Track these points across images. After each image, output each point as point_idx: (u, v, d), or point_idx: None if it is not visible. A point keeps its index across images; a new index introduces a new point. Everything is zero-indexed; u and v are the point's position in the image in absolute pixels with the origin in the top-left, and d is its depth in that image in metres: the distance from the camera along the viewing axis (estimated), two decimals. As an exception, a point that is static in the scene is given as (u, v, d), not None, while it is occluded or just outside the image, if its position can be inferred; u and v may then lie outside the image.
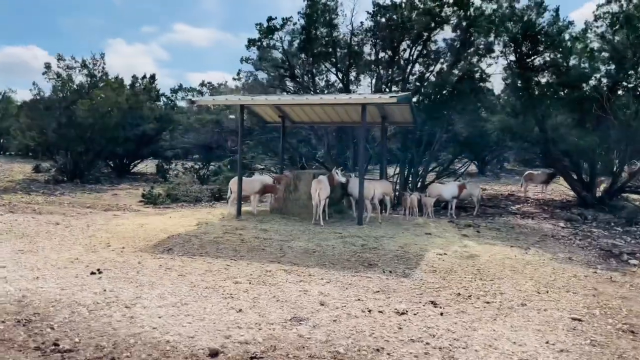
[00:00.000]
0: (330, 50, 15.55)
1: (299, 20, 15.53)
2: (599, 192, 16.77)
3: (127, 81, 27.76)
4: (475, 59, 15.19)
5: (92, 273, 7.13)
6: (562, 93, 14.38)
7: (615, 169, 15.41)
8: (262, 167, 17.72)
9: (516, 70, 14.78)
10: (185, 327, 5.05)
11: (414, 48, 16.47)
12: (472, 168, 30.14)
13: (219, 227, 10.97)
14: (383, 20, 15.35)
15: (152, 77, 29.32)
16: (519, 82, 14.47)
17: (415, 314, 5.62)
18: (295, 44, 15.44)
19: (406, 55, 16.82)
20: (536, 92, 14.55)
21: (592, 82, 15.56)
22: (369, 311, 5.66)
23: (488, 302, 6.26)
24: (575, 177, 16.42)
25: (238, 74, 17.53)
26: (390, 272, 7.77)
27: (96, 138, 24.52)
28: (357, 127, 15.62)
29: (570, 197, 19.15)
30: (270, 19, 15.85)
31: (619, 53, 14.24)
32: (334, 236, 10.37)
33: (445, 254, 9.21)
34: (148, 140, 29.21)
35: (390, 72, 16.83)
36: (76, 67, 25.58)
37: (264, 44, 15.87)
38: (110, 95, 24.03)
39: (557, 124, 14.07)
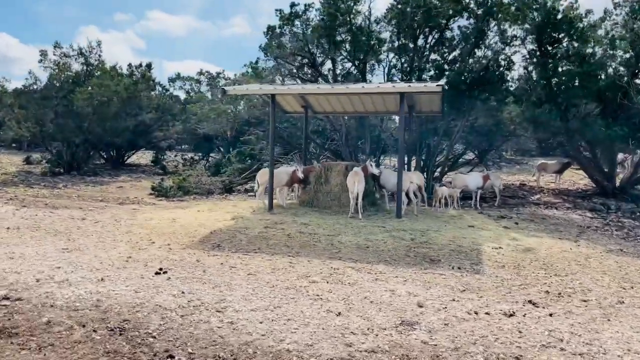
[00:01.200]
0: (350, 37, 15.13)
1: (321, 6, 15.04)
2: (618, 181, 16.75)
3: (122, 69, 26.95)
4: (498, 47, 14.91)
5: (157, 273, 6.73)
6: (584, 82, 14.18)
7: (636, 158, 15.36)
8: (289, 158, 17.24)
9: (539, 58, 14.57)
10: (296, 333, 4.70)
11: (433, 35, 16.13)
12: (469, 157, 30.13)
13: (256, 222, 10.58)
14: (404, 6, 14.94)
15: (149, 65, 28.55)
16: (542, 70, 14.26)
17: (524, 316, 5.36)
18: (317, 31, 14.94)
19: (424, 42, 16.46)
20: (559, 81, 14.36)
21: (611, 70, 15.45)
22: (475, 313, 5.38)
23: (585, 301, 6.03)
24: (594, 166, 16.33)
25: (256, 62, 17.00)
26: (459, 268, 7.51)
27: (94, 128, 23.75)
28: (379, 116, 15.27)
29: (586, 187, 19.16)
30: (293, 4, 15.35)
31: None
32: (378, 230, 10.08)
33: (500, 247, 8.99)
34: (144, 131, 28.51)
35: (407, 61, 16.47)
36: (73, 55, 24.70)
37: (285, 30, 15.36)
38: (109, 84, 23.27)
39: (581, 113, 13.90)
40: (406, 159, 15.26)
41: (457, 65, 15.52)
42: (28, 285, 6.10)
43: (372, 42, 15.54)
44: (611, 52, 15.45)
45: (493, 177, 15.05)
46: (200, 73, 29.07)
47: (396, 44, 16.63)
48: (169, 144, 33.00)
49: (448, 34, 16.70)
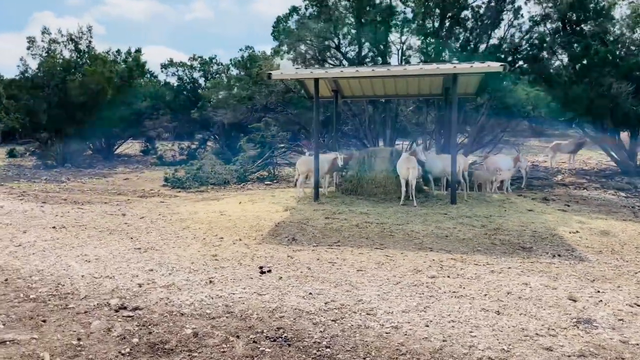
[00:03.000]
0: (379, 18, 14.66)
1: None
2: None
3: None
4: (527, 27, 14.69)
5: (262, 272, 6.28)
6: (613, 61, 14.12)
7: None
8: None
9: (572, 37, 14.42)
10: (477, 337, 4.37)
11: (453, 16, 15.79)
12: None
13: (312, 213, 10.15)
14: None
15: (138, 50, 27.44)
16: (571, 50, 14.13)
17: (686, 304, 5.12)
18: (347, 10, 14.39)
19: (442, 23, 16.12)
20: (589, 61, 14.26)
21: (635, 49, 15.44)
22: (637, 305, 5.11)
23: None
24: (616, 146, 16.39)
25: (280, 44, 16.33)
26: (559, 255, 7.28)
27: (90, 118, 22.72)
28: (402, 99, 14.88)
29: (600, 166, 19.28)
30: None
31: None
32: (443, 218, 9.78)
33: (577, 231, 8.81)
34: (135, 120, 27.49)
35: (427, 42, 16.12)
36: (62, 41, 23.51)
37: (310, 12, 14.76)
38: (103, 71, 22.25)
39: (612, 93, 13.84)
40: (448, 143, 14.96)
41: (484, 45, 15.22)
42: (133, 291, 5.58)
43: (396, 22, 15.10)
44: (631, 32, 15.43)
45: (522, 159, 14.89)
46: (193, 58, 28.03)
47: (414, 25, 16.22)
48: (157, 132, 31.94)
49: (468, 13, 16.37)
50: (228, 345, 4.26)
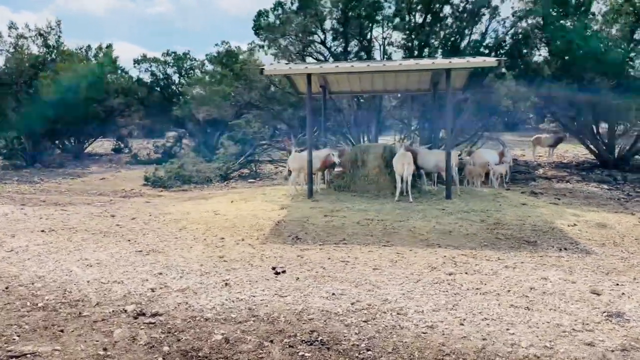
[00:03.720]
0: (365, 13, 14.56)
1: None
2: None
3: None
4: (511, 21, 14.83)
5: (277, 273, 6.13)
6: (594, 57, 14.39)
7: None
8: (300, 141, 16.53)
9: (554, 32, 14.63)
10: (516, 335, 4.32)
11: (436, 9, 15.83)
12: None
13: (309, 210, 10.00)
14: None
15: (109, 46, 26.76)
16: (559, 45, 14.34)
17: None
18: (335, 5, 14.22)
19: (424, 18, 16.13)
20: (574, 55, 14.50)
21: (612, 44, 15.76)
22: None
23: None
24: (596, 139, 16.73)
25: (265, 39, 16.03)
26: (565, 249, 7.34)
27: (61, 116, 22.00)
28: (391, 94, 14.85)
29: (578, 158, 19.69)
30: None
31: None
32: (441, 213, 9.77)
33: (574, 224, 8.92)
34: (106, 118, 26.79)
35: (408, 37, 16.13)
36: (30, 36, 22.69)
37: (296, 6, 14.52)
38: (76, 68, 21.57)
39: (594, 87, 14.12)
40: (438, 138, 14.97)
41: (466, 41, 15.30)
42: (147, 296, 5.36)
43: (380, 18, 15.04)
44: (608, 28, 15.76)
45: (507, 154, 15.03)
46: (167, 54, 27.44)
47: (397, 20, 16.20)
48: (129, 130, 31.24)
49: (447, 9, 16.44)
50: (264, 351, 4.10)
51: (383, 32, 16.42)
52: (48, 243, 7.80)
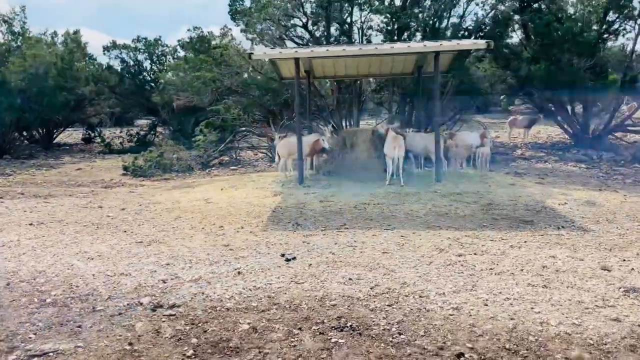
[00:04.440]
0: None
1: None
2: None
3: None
4: (491, 3, 14.92)
5: (288, 260, 6.07)
6: (576, 38, 14.64)
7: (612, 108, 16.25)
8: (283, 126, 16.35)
9: (532, 15, 14.79)
10: (542, 313, 4.39)
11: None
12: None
13: (303, 196, 9.95)
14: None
15: (76, 32, 25.91)
16: (538, 27, 14.51)
17: None
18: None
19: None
20: (552, 37, 14.71)
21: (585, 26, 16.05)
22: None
23: None
24: (571, 119, 17.08)
25: (246, 25, 15.70)
26: (562, 227, 7.49)
27: (31, 105, 21.25)
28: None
29: (554, 139, 20.09)
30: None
31: None
32: (434, 195, 9.86)
33: (565, 203, 9.12)
34: (76, 106, 26.01)
35: (388, 20, 16.08)
36: (-8, 22, 21.78)
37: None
38: (44, 55, 20.82)
39: (573, 69, 14.38)
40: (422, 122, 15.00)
41: (445, 23, 15.35)
42: (160, 288, 5.25)
43: (362, 2, 14.95)
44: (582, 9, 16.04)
45: (488, 135, 15.19)
46: (137, 40, 26.71)
47: (376, 3, 16.12)
48: (100, 119, 30.40)
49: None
50: (295, 339, 4.05)
51: (362, 16, 16.30)
52: (40, 237, 7.54)
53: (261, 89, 16.34)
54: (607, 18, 16.24)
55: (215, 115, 17.72)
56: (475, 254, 6.12)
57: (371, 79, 18.27)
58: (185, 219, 8.50)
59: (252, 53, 10.29)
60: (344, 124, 16.93)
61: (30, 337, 4.20)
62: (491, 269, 5.52)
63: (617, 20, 16.18)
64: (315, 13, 14.84)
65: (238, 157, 18.71)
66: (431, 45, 10.34)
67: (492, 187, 10.55)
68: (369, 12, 15.29)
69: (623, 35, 16.05)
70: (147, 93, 27.16)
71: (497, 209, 8.69)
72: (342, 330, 4.16)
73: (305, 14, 15.01)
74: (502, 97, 31.99)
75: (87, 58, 26.60)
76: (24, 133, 25.17)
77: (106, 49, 25.84)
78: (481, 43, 10.03)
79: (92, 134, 29.14)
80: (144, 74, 27.24)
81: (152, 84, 27.40)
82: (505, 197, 9.60)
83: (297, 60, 10.82)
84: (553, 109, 17.40)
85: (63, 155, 23.79)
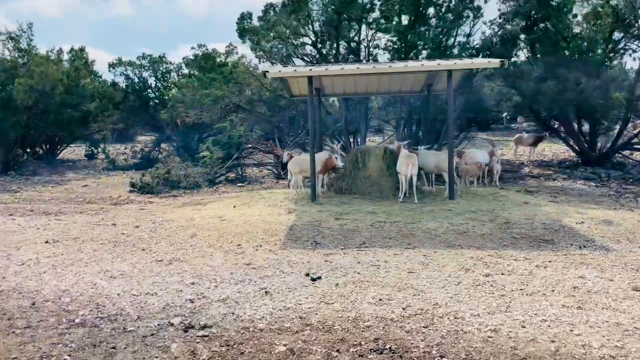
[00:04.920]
0: (358, 15, 14.54)
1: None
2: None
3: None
4: (497, 23, 15.07)
5: (313, 280, 6.02)
6: (583, 56, 14.75)
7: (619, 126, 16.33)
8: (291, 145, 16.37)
9: (539, 34, 14.92)
10: (583, 335, 4.33)
11: (422, 10, 15.95)
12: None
13: (318, 214, 9.91)
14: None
15: (82, 49, 26.04)
16: (546, 46, 14.63)
17: None
18: (328, 5, 14.09)
19: (411, 19, 16.22)
20: (560, 56, 14.82)
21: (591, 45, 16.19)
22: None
23: None
24: (579, 137, 17.13)
25: (257, 42, 15.79)
26: (584, 247, 7.46)
27: (37, 122, 21.27)
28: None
29: (560, 157, 20.13)
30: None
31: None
32: (449, 214, 9.82)
33: (582, 222, 9.08)
34: (80, 123, 26.05)
35: (396, 39, 16.20)
36: (0, 40, 21.88)
37: (288, 9, 14.34)
38: (52, 72, 20.89)
39: (581, 87, 14.46)
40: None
41: (453, 41, 15.47)
42: (188, 308, 5.19)
43: (371, 21, 15.08)
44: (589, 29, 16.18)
45: (497, 153, 15.24)
46: (142, 57, 26.88)
47: (385, 22, 16.24)
48: (103, 135, 30.42)
49: (431, 10, 16.56)
50: (335, 361, 3.98)
51: (369, 34, 16.43)
52: (59, 255, 7.48)
53: (269, 106, 16.36)
54: (613, 37, 16.37)
55: (221, 132, 17.74)
56: (502, 274, 6.08)
57: (377, 97, 18.34)
58: (201, 237, 8.45)
59: (267, 71, 10.32)
60: (351, 141, 16.96)
61: (65, 359, 4.13)
62: (521, 289, 5.48)
63: (623, 39, 16.27)
64: (324, 32, 14.93)
65: (244, 174, 18.68)
66: (445, 64, 10.40)
67: (506, 206, 10.53)
68: (376, 31, 15.38)
69: (630, 55, 16.14)
70: (152, 109, 27.25)
71: (515, 228, 8.66)
72: (381, 353, 4.10)
73: (314, 32, 15.10)
74: (504, 114, 32.19)
75: (92, 75, 26.70)
76: (28, 149, 25.16)
77: (112, 65, 25.99)
78: (495, 62, 10.09)
79: (95, 150, 29.17)
80: (149, 90, 27.33)
81: (157, 101, 27.48)
82: (521, 216, 9.57)
83: (310, 78, 10.85)
84: (560, 127, 17.44)
85: (67, 172, 23.75)
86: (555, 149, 22.88)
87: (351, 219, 9.40)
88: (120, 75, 26.14)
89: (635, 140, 17.08)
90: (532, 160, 19.79)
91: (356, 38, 16.05)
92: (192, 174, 16.83)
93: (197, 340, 4.42)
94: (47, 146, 26.33)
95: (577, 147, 17.66)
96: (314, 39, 15.34)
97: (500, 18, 15.41)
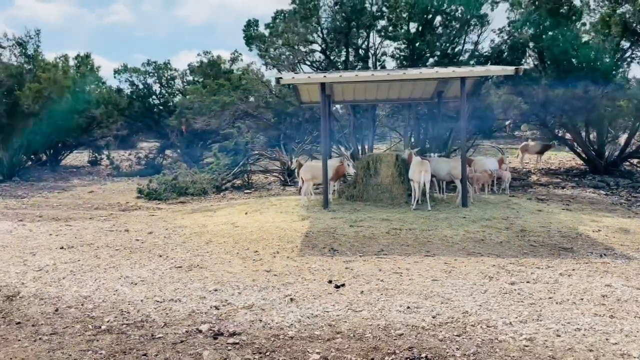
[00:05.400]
0: (368, 22, 14.58)
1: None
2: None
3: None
4: (507, 30, 15.10)
5: (337, 287, 5.95)
6: (591, 64, 14.78)
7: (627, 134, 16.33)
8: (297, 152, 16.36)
9: (549, 42, 14.96)
10: (621, 345, 4.29)
11: (429, 17, 15.98)
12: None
13: (331, 221, 9.86)
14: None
15: (87, 56, 26.05)
16: (556, 54, 14.66)
17: None
18: (339, 13, 14.13)
19: (419, 27, 16.25)
20: (570, 64, 14.85)
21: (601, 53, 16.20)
22: None
23: None
24: (586, 145, 17.13)
25: (266, 50, 15.79)
26: (605, 255, 7.41)
27: (43, 128, 21.25)
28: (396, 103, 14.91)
29: (567, 165, 20.12)
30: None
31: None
32: (464, 221, 9.77)
33: (599, 230, 9.04)
34: (87, 128, 26.10)
35: (404, 47, 16.23)
36: (8, 45, 21.88)
37: (299, 16, 14.35)
38: (60, 79, 20.89)
39: (590, 95, 14.47)
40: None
41: (461, 48, 15.50)
42: (214, 315, 5.14)
43: (380, 28, 15.10)
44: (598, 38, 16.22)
45: (506, 161, 15.22)
46: (147, 64, 26.88)
47: (390, 29, 16.27)
48: (107, 141, 30.43)
49: (439, 18, 16.59)
50: (372, 370, 3.92)
51: (377, 42, 16.46)
52: (75, 261, 7.41)
53: (275, 112, 16.34)
54: (621, 45, 16.40)
55: (227, 138, 17.72)
56: (528, 282, 6.03)
57: (383, 104, 18.33)
58: (217, 244, 8.40)
59: (280, 77, 10.30)
60: (359, 147, 16.94)
61: (96, 366, 4.07)
62: (550, 297, 5.43)
63: (631, 47, 16.30)
64: (333, 39, 14.93)
65: (250, 181, 18.63)
66: (460, 71, 10.39)
67: (520, 213, 10.49)
68: (385, 38, 15.39)
69: (638, 63, 16.17)
70: (156, 116, 27.25)
71: (532, 236, 8.62)
72: (417, 361, 4.04)
73: (324, 39, 15.10)
74: (507, 122, 32.18)
75: (97, 81, 26.71)
76: (32, 156, 25.12)
77: (117, 72, 25.99)
78: (510, 69, 10.08)
79: (99, 157, 29.16)
80: (153, 97, 27.34)
81: (161, 107, 27.48)
82: (536, 224, 9.53)
83: (323, 85, 10.83)
84: (567, 135, 17.44)
85: (72, 178, 23.68)
86: (561, 157, 22.87)
87: (366, 225, 9.35)
88: (125, 81, 26.10)
89: (644, 148, 17.07)
90: (539, 168, 19.76)
91: (364, 45, 16.04)
92: (199, 181, 16.77)
93: (229, 348, 4.36)
94: (51, 152, 26.28)
95: (584, 156, 17.64)
96: (323, 46, 15.33)
97: (509, 26, 15.42)
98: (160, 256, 7.63)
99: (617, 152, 17.15)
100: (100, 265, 7.13)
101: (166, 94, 27.55)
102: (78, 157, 32.53)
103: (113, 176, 24.07)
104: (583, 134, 17.35)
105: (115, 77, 26.00)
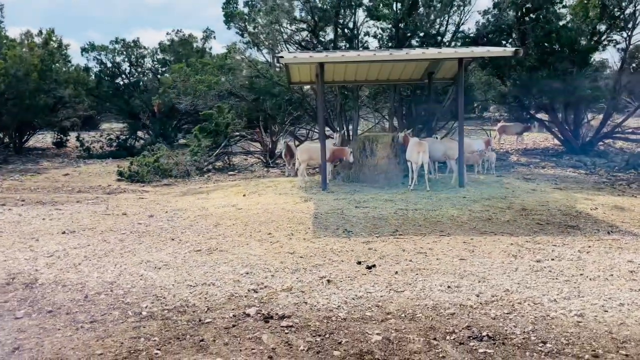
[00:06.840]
0: (357, 2, 14.44)
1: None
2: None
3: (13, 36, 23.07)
4: (492, 13, 15.22)
5: (369, 268, 5.95)
6: (574, 46, 15.10)
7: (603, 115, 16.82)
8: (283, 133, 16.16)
9: (532, 24, 15.17)
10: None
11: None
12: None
13: (334, 202, 9.84)
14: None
15: (52, 32, 24.93)
16: (539, 35, 14.89)
17: None
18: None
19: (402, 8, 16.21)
20: (553, 46, 15.12)
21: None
22: None
23: None
24: (564, 126, 17.58)
25: (241, 30, 15.39)
26: (612, 232, 7.64)
27: (10, 109, 20.33)
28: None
29: (542, 145, 20.62)
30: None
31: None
32: (466, 201, 9.90)
33: (596, 208, 9.31)
34: (53, 108, 25.11)
35: (390, 28, 16.20)
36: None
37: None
38: (27, 57, 19.97)
39: (573, 77, 14.81)
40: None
41: (444, 28, 15.58)
42: (255, 298, 5.09)
43: (371, 6, 15.00)
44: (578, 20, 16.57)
45: (492, 142, 15.48)
46: (115, 42, 25.94)
47: (384, 10, 16.17)
48: (72, 122, 29.39)
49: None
50: (439, 349, 3.96)
51: (360, 21, 16.35)
52: (85, 246, 7.16)
53: (262, 92, 16.08)
54: (598, 28, 16.78)
55: (198, 119, 17.33)
56: (552, 259, 6.16)
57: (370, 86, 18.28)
58: (226, 226, 8.25)
59: (281, 56, 10.11)
60: (345, 129, 16.88)
61: (156, 353, 3.94)
62: (581, 274, 5.56)
63: (607, 31, 16.70)
64: (323, 18, 14.72)
65: (231, 163, 18.38)
66: (463, 51, 10.44)
67: (516, 193, 10.69)
68: (370, 18, 15.29)
69: (614, 46, 16.61)
70: (126, 96, 26.44)
71: (534, 214, 8.80)
72: (481, 340, 4.08)
73: (313, 18, 14.87)
74: (476, 104, 32.61)
75: (64, 59, 25.64)
76: (-2, 137, 24.09)
77: (84, 50, 24.99)
78: (510, 50, 10.19)
79: (65, 138, 28.13)
80: (123, 76, 26.49)
81: (132, 87, 26.68)
82: (535, 202, 9.73)
83: (322, 64, 10.69)
84: (545, 116, 17.84)
85: (40, 160, 22.79)
86: (533, 137, 23.41)
87: (371, 206, 9.36)
88: (94, 59, 25.15)
89: (618, 129, 17.61)
90: (514, 148, 20.18)
91: (350, 25, 15.90)
92: (182, 162, 16.42)
93: (286, 331, 4.30)
94: (16, 134, 25.19)
95: (561, 136, 18.09)
96: (312, 25, 15.11)
97: (494, 8, 15.55)
98: (173, 240, 7.45)
99: (591, 133, 17.63)
100: (114, 250, 6.90)
101: (136, 73, 26.73)
102: (40, 139, 31.26)
103: (84, 158, 23.27)
104: (560, 115, 17.75)
105: (82, 55, 25.01)
